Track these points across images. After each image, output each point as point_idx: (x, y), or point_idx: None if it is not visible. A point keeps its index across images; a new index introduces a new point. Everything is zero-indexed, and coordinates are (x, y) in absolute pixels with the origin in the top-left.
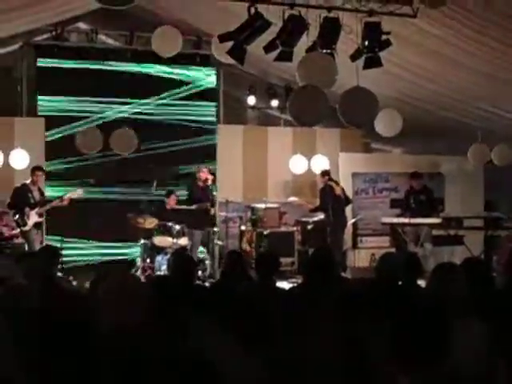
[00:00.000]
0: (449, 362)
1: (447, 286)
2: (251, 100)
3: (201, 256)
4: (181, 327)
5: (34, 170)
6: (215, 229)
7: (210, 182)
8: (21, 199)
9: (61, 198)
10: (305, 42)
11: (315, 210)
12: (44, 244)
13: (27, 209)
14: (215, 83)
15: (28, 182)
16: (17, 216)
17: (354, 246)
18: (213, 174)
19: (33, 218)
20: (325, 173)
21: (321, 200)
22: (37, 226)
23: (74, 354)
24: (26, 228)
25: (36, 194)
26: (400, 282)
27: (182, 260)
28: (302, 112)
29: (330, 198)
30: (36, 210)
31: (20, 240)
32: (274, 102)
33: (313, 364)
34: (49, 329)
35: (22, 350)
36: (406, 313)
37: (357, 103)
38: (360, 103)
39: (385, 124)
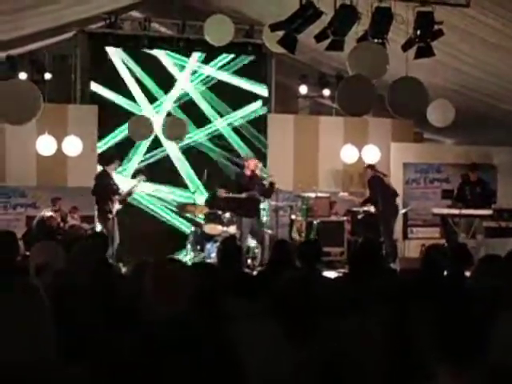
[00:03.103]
0: (491, 355)
1: (490, 277)
2: (303, 89)
3: (251, 245)
4: (223, 315)
5: (116, 158)
6: (265, 218)
7: (258, 172)
8: (106, 185)
9: (135, 185)
10: (356, 31)
11: (365, 202)
12: (94, 230)
13: (113, 195)
14: None
15: (107, 168)
16: (104, 203)
17: (405, 236)
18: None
19: (116, 205)
20: (370, 166)
21: (370, 191)
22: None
23: (122, 339)
24: (111, 215)
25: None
26: (447, 273)
27: (229, 248)
28: (349, 102)
29: (379, 188)
30: (117, 196)
31: (74, 225)
32: (326, 91)
33: (356, 353)
34: (99, 314)
35: (66, 335)
36: (448, 303)
37: (405, 93)
38: (409, 93)
39: (437, 114)
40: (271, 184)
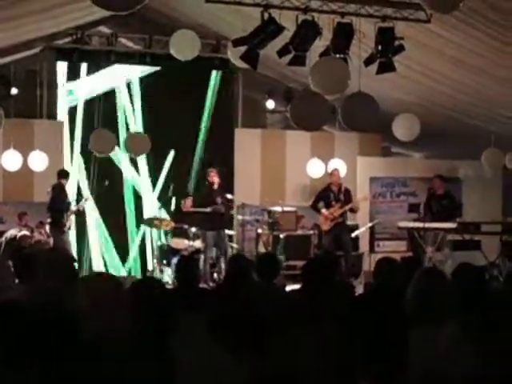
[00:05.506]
0: (411, 370)
1: (423, 291)
2: (270, 104)
3: (215, 258)
4: (170, 331)
5: (67, 175)
6: (231, 232)
7: (216, 186)
8: (63, 198)
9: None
10: (318, 46)
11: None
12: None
13: (68, 209)
14: None
15: (63, 181)
16: (60, 215)
17: (371, 250)
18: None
19: (70, 220)
20: None
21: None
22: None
23: (53, 356)
24: (66, 229)
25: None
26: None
27: (184, 264)
28: (302, 117)
29: None
30: (69, 212)
31: (40, 240)
32: None
33: (300, 369)
34: (31, 330)
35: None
36: (373, 318)
37: (357, 108)
38: (360, 108)
39: (403, 128)
40: (219, 213)
